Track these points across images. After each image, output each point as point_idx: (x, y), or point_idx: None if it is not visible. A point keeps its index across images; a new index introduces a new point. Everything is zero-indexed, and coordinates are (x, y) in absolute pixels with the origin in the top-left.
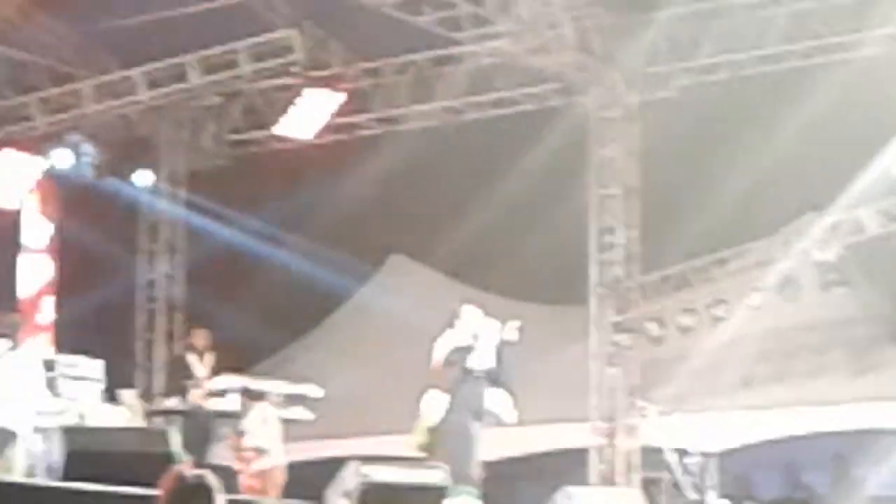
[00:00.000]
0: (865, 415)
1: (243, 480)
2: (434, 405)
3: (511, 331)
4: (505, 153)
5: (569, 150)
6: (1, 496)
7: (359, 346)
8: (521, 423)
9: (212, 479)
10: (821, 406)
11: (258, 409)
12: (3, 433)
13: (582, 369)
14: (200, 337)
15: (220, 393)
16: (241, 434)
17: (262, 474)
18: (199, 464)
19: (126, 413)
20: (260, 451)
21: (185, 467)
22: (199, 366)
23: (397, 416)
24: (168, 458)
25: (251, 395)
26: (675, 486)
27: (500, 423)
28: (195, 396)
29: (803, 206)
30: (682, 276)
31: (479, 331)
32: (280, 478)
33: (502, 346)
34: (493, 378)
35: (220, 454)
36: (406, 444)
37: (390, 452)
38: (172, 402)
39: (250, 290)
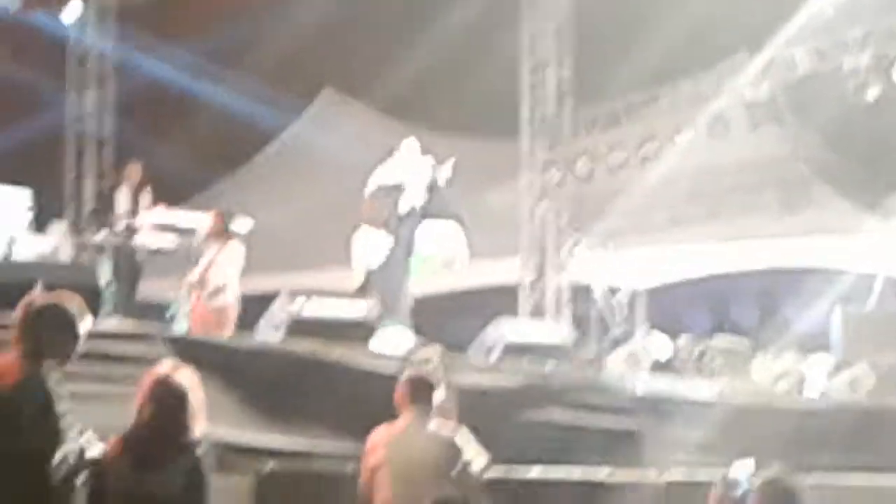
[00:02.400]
0: (794, 253)
1: (196, 316)
2: (366, 243)
3: (446, 168)
4: None
5: None
6: None
7: (291, 182)
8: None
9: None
10: (750, 243)
11: (225, 246)
12: None
13: (512, 205)
14: (134, 171)
15: (150, 227)
16: (195, 269)
17: (219, 310)
18: (128, 298)
19: (54, 247)
20: (218, 289)
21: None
22: (133, 200)
23: (328, 252)
24: (96, 292)
25: (182, 231)
26: (604, 320)
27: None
28: (126, 230)
29: (737, 44)
30: (614, 113)
31: (414, 167)
32: (234, 314)
33: (436, 183)
34: (429, 214)
35: (158, 289)
36: (336, 279)
37: (321, 287)
38: (101, 237)
39: (181, 125)
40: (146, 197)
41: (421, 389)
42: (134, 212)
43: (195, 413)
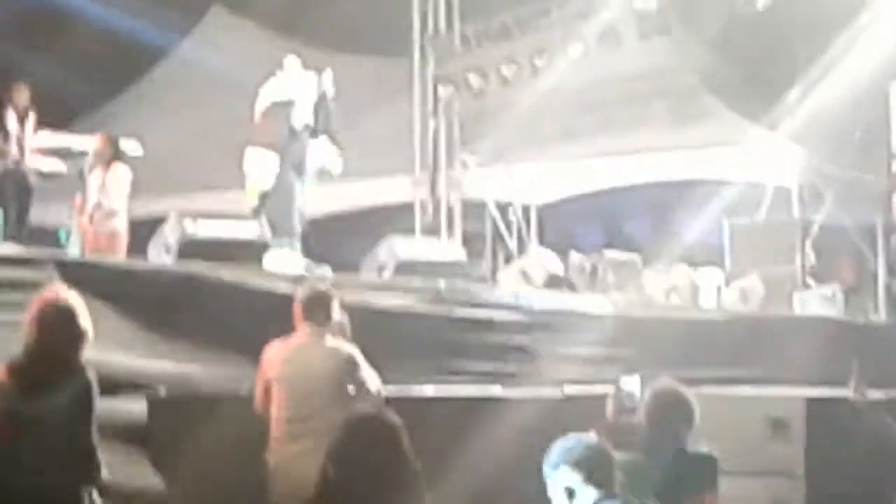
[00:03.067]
0: (683, 165)
1: (88, 240)
2: (256, 163)
3: (327, 81)
4: None
5: None
6: None
7: (178, 102)
8: (344, 178)
9: None
10: (641, 156)
11: (113, 170)
12: None
13: (404, 122)
14: (20, 92)
15: (38, 151)
16: (84, 194)
17: (110, 235)
18: (19, 223)
19: None
20: (109, 213)
21: None
22: (18, 124)
23: (219, 173)
24: None
25: (71, 154)
26: (497, 237)
27: (325, 173)
28: (12, 155)
29: None
30: (504, 26)
31: (299, 84)
32: (124, 238)
33: (321, 99)
34: (315, 131)
35: (49, 214)
36: (226, 201)
37: (211, 208)
38: None
39: (67, 45)
40: (31, 120)
41: (318, 305)
42: (20, 136)
43: (82, 336)
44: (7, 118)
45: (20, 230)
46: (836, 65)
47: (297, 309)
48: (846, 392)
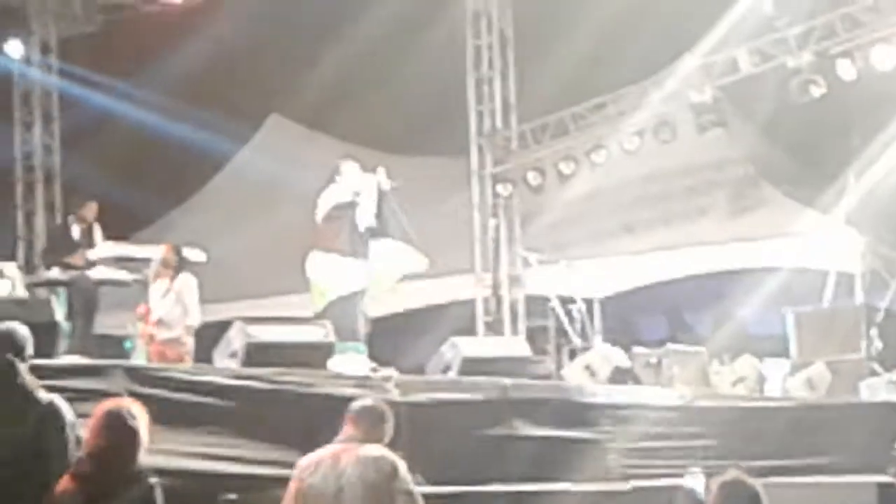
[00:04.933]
0: (744, 254)
1: (153, 348)
2: (320, 267)
3: (383, 179)
4: (379, 5)
5: (443, 4)
6: None
7: (240, 210)
8: (408, 277)
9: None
10: (701, 247)
11: (179, 279)
12: None
13: (463, 222)
14: (90, 210)
15: (103, 261)
16: (150, 302)
17: (168, 343)
18: (85, 333)
19: (8, 285)
20: (160, 323)
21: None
22: (87, 236)
23: (280, 278)
24: (52, 328)
25: (133, 263)
26: (561, 332)
27: (409, 271)
28: (77, 266)
29: (678, 47)
30: (560, 123)
31: (359, 186)
32: (190, 346)
33: (381, 198)
34: (378, 232)
35: (114, 323)
36: (290, 305)
37: (274, 313)
38: (54, 273)
39: (129, 158)
40: (98, 232)
41: (368, 417)
42: (88, 247)
43: (141, 444)
44: (73, 230)
45: (88, 339)
46: (889, 148)
47: (347, 419)
48: None
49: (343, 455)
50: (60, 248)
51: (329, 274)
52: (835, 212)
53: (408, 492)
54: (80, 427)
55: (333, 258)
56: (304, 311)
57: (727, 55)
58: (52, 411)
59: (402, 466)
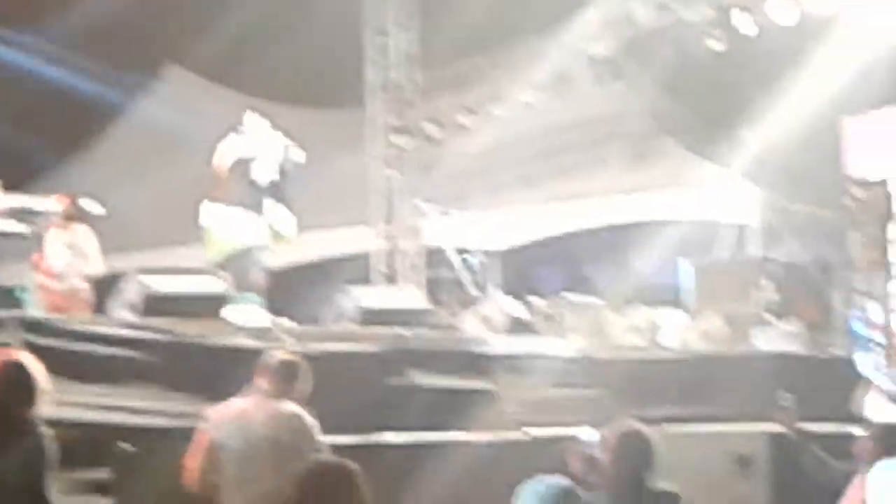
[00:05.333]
0: (641, 206)
1: (51, 299)
2: (217, 218)
3: (299, 154)
4: None
5: None
6: None
7: (136, 161)
8: (302, 229)
9: None
10: (599, 199)
11: (76, 230)
12: None
13: (361, 173)
14: None
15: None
16: (45, 253)
17: (67, 294)
18: None
19: None
20: (56, 273)
21: None
22: None
23: (177, 229)
24: None
25: (30, 214)
26: (457, 284)
27: (279, 238)
28: None
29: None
30: (458, 75)
31: (263, 141)
32: (83, 297)
33: (287, 164)
34: (276, 193)
35: (8, 276)
36: (185, 256)
37: (171, 264)
38: None
39: (25, 109)
40: None
41: (281, 372)
42: None
43: (33, 395)
44: None
45: None
46: (787, 102)
47: (256, 372)
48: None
49: (254, 411)
50: None
51: (222, 225)
52: (732, 165)
53: (318, 452)
54: None
55: (227, 209)
56: (200, 263)
57: (626, 8)
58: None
59: (315, 426)
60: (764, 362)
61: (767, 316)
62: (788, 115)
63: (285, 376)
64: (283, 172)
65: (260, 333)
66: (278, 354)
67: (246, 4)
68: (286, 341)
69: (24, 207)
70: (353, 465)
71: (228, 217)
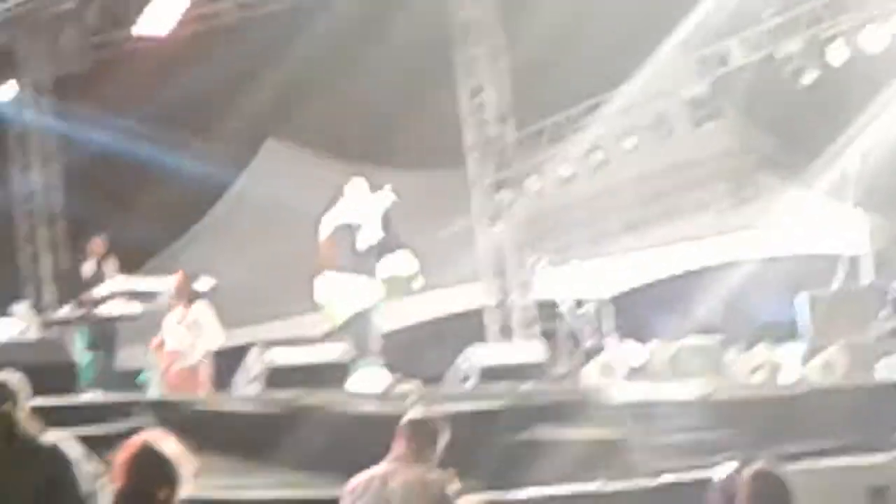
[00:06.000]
0: (750, 244)
1: (170, 378)
2: (328, 286)
3: (386, 195)
4: (368, 24)
5: (431, 16)
6: None
7: (244, 235)
8: (416, 291)
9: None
10: (704, 240)
11: (194, 308)
12: None
13: (468, 232)
14: (95, 245)
15: (114, 296)
16: (163, 333)
17: (185, 373)
18: (106, 368)
19: (21, 326)
20: (176, 352)
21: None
22: (98, 272)
23: (290, 301)
24: (71, 367)
25: (142, 296)
26: (572, 334)
27: (403, 282)
28: (91, 302)
29: (666, 44)
30: (556, 127)
31: (365, 204)
32: (204, 374)
33: (386, 214)
34: (386, 248)
35: (131, 357)
36: (300, 326)
37: (287, 336)
38: (65, 311)
39: (130, 192)
40: (111, 267)
41: (417, 432)
42: (100, 283)
43: (177, 480)
44: (85, 267)
45: (109, 375)
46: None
47: (398, 435)
48: None
49: (391, 477)
50: (76, 286)
51: (334, 294)
52: (836, 194)
53: None
54: (91, 461)
55: (338, 276)
56: (315, 332)
57: (717, 48)
58: (56, 453)
59: (452, 489)
60: (886, 392)
61: (888, 344)
62: (887, 137)
63: (425, 437)
64: (386, 224)
65: (384, 398)
66: (415, 413)
67: (340, 76)
68: (414, 402)
69: (141, 290)
70: None
71: (340, 285)
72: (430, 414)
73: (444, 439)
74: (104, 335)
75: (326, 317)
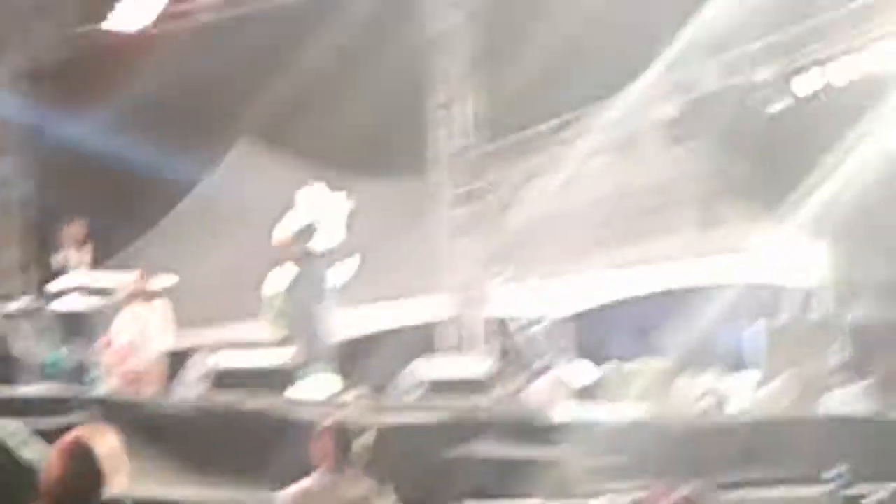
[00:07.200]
0: (709, 270)
1: (120, 376)
2: (274, 284)
3: (344, 201)
4: (343, 28)
5: (404, 27)
6: None
7: (208, 234)
8: (373, 300)
9: None
10: (667, 263)
11: (152, 306)
12: None
13: (427, 243)
14: (77, 228)
15: (72, 290)
16: (117, 329)
17: (136, 372)
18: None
19: None
20: (126, 350)
21: None
22: (77, 258)
23: (249, 302)
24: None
25: (101, 292)
26: (524, 352)
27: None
28: (45, 296)
29: (640, 65)
30: (526, 142)
31: (322, 208)
32: (155, 373)
33: (345, 220)
34: (344, 252)
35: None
36: (258, 330)
37: (244, 339)
38: (16, 305)
39: (99, 185)
40: (85, 255)
41: (337, 440)
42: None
43: (109, 473)
44: (58, 259)
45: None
46: (856, 157)
47: (316, 444)
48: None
49: (316, 495)
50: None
51: (279, 285)
52: (801, 225)
53: None
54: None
55: (287, 271)
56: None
57: (690, 71)
58: None
59: (379, 498)
60: (829, 425)
61: (841, 377)
62: (852, 172)
63: (342, 444)
64: (344, 230)
65: (326, 405)
66: (329, 422)
67: (312, 79)
68: (349, 408)
69: (98, 285)
70: None
71: (286, 276)
72: (352, 421)
73: (366, 448)
74: (77, 329)
75: (268, 315)
